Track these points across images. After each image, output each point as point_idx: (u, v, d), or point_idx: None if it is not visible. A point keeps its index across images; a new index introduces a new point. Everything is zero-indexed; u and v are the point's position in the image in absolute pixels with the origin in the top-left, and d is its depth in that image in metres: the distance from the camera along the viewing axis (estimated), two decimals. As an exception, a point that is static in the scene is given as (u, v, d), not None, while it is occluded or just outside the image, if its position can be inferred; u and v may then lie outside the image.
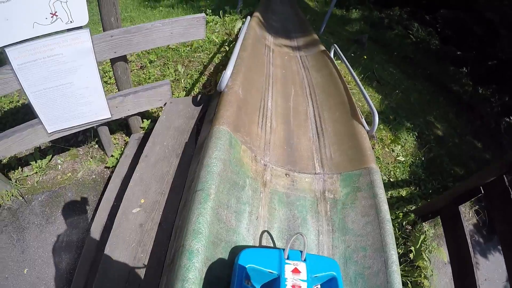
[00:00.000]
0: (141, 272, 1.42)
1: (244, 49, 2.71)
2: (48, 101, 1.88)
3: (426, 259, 2.60)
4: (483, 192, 2.33)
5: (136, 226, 1.55)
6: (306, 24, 5.24)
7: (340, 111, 2.37)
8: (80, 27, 1.66)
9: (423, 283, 2.51)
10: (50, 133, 2.06)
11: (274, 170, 1.84)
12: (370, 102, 2.19)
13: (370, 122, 2.10)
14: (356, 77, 2.58)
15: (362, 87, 2.37)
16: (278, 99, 2.52)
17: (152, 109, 2.89)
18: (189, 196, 1.39)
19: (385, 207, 1.62)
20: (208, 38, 3.95)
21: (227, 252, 1.34)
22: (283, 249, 1.29)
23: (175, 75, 3.46)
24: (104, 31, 1.84)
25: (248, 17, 3.66)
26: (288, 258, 1.28)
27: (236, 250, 1.36)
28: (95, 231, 1.97)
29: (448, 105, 5.40)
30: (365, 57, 5.17)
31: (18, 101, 3.05)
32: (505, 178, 2.18)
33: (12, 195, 2.43)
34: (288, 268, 1.23)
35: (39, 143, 2.17)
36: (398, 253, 2.59)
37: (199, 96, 2.44)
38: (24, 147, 2.10)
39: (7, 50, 1.57)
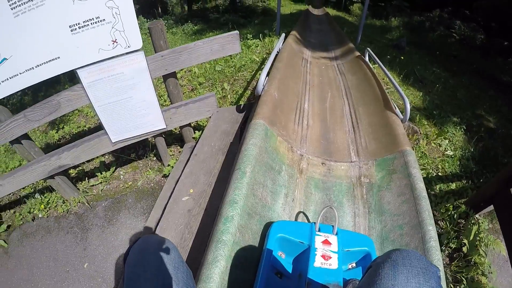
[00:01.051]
0: (187, 250, 1.59)
1: (280, 60, 2.94)
2: (112, 114, 2.22)
3: (483, 253, 2.45)
4: None
5: (184, 211, 1.78)
6: (342, 36, 5.41)
7: (374, 105, 2.47)
8: (136, 50, 1.99)
9: (480, 280, 2.34)
10: (114, 142, 2.38)
11: (310, 160, 1.98)
12: (400, 89, 2.28)
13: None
14: (387, 71, 2.68)
15: (392, 78, 2.48)
16: (315, 101, 2.69)
17: (201, 121, 3.21)
18: (230, 176, 1.59)
19: (420, 185, 1.65)
20: (250, 58, 4.30)
21: (262, 224, 1.48)
22: (314, 223, 1.39)
23: (222, 92, 3.78)
24: (155, 53, 2.17)
25: (283, 34, 3.92)
26: (319, 231, 1.37)
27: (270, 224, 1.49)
28: (150, 225, 2.21)
29: (500, 98, 5.14)
30: (402, 57, 5.18)
31: (85, 126, 3.55)
32: None
33: (79, 202, 2.82)
34: (318, 239, 1.31)
35: (104, 152, 2.49)
36: (450, 247, 2.52)
37: (242, 104, 2.68)
38: (91, 156, 2.46)
39: (78, 71, 1.95)
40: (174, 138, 3.29)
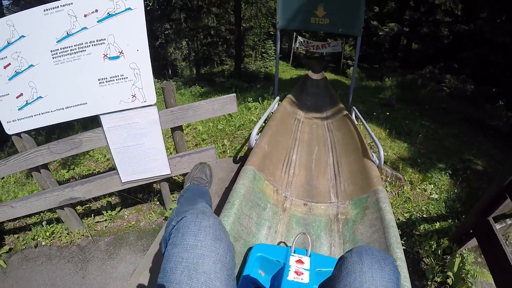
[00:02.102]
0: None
1: (273, 119, 3.39)
2: (125, 156, 2.55)
3: (470, 284, 2.55)
4: (508, 196, 2.28)
5: None
6: (335, 98, 5.92)
7: (354, 155, 2.83)
8: (151, 105, 2.40)
9: None
10: (124, 182, 2.69)
11: (293, 201, 2.31)
12: (375, 138, 2.67)
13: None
14: (366, 125, 3.10)
15: (370, 130, 2.87)
16: (303, 154, 3.06)
17: None
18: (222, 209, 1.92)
19: (389, 217, 1.90)
20: (249, 119, 4.81)
21: (246, 247, 1.76)
22: (290, 246, 1.66)
23: (222, 148, 4.20)
24: (166, 108, 2.57)
25: (277, 97, 4.45)
26: (294, 252, 1.62)
27: (253, 248, 1.77)
28: (147, 258, 2.31)
29: (489, 142, 5.40)
30: (387, 113, 5.60)
31: (95, 169, 3.89)
32: None
33: (83, 235, 3.05)
34: (292, 259, 1.56)
35: (114, 190, 2.78)
36: (436, 281, 2.65)
37: (238, 157, 3.07)
38: (101, 192, 2.74)
39: (101, 117, 2.35)
40: (177, 185, 3.60)
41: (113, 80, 2.24)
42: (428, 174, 3.80)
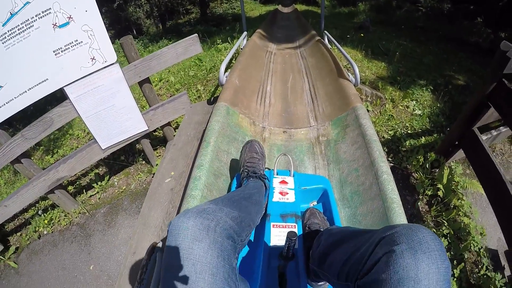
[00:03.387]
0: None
1: (242, 54, 3.18)
2: (99, 122, 2.45)
3: (461, 195, 2.58)
4: (490, 104, 2.25)
5: (167, 190, 1.99)
6: (307, 26, 5.64)
7: (329, 77, 2.69)
8: (112, 64, 2.25)
9: (463, 221, 2.43)
10: (104, 149, 2.60)
11: (272, 130, 2.19)
12: (348, 56, 2.52)
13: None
14: (339, 46, 2.93)
15: (342, 49, 2.71)
16: (277, 84, 2.91)
17: (180, 120, 3.46)
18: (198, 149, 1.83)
19: (370, 131, 1.83)
20: (220, 60, 4.57)
21: (228, 183, 1.71)
22: (273, 169, 1.60)
23: (197, 93, 4.06)
24: (129, 63, 2.42)
25: (245, 32, 4.18)
26: (277, 174, 1.58)
27: (236, 181, 1.71)
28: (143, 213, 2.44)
29: (469, 58, 5.30)
30: (361, 34, 5.41)
31: (77, 147, 3.70)
32: (505, 81, 2.10)
33: (80, 213, 3.06)
34: (276, 180, 1.52)
35: (96, 159, 2.71)
36: (427, 195, 2.66)
37: (212, 98, 2.91)
38: (85, 164, 2.68)
39: (65, 88, 2.21)
40: (158, 140, 3.54)
41: (68, 48, 2.08)
42: (409, 90, 3.72)
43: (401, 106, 3.54)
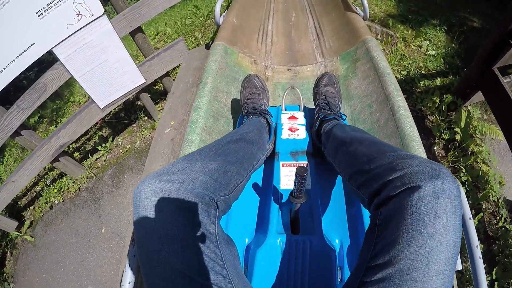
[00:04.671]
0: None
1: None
2: (94, 81, 2.31)
3: (479, 141, 2.43)
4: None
5: (168, 141, 1.88)
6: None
7: (335, 12, 2.44)
8: (100, 16, 2.08)
9: (481, 168, 2.30)
10: (102, 108, 2.48)
11: (275, 68, 2.02)
12: None
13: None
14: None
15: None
16: (279, 22, 2.67)
17: (177, 70, 3.30)
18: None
19: (383, 64, 1.67)
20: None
21: (229, 125, 1.58)
22: (280, 105, 1.45)
23: (195, 42, 3.86)
24: (117, 14, 2.24)
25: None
26: (286, 110, 1.44)
27: (238, 123, 1.58)
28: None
29: (485, 1, 4.94)
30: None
31: None
32: None
33: (87, 177, 3.02)
34: (284, 116, 1.38)
35: (96, 120, 2.61)
36: (444, 139, 2.51)
37: (210, 42, 2.72)
38: (86, 127, 2.57)
39: (54, 50, 2.06)
40: (159, 94, 3.41)
41: (51, 6, 1.92)
42: (422, 30, 3.46)
43: (414, 45, 3.30)
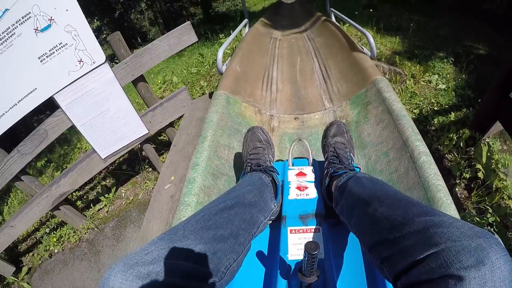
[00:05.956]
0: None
1: (243, 41, 2.92)
2: (95, 130, 2.28)
3: (503, 176, 2.24)
4: None
5: (167, 198, 1.75)
6: (311, 10, 5.36)
7: (341, 53, 2.40)
8: (102, 64, 2.07)
9: (508, 205, 2.10)
10: (104, 158, 2.42)
11: (281, 117, 1.92)
12: (359, 27, 2.22)
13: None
14: (346, 18, 2.62)
15: (351, 21, 2.41)
16: (284, 68, 2.63)
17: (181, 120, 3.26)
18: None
19: (397, 105, 1.54)
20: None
21: (230, 183, 1.43)
22: (287, 160, 1.32)
23: (201, 90, 3.85)
24: (119, 62, 2.24)
25: (245, 20, 3.90)
26: (293, 165, 1.31)
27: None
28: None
29: (485, 27, 4.93)
30: (371, 10, 5.08)
31: None
32: None
33: (88, 228, 2.92)
34: (291, 173, 1.24)
35: (98, 170, 2.54)
36: (465, 178, 2.35)
37: (214, 91, 2.67)
38: (87, 177, 2.51)
39: (55, 96, 2.05)
40: (164, 145, 3.36)
41: (54, 52, 1.95)
42: (430, 64, 3.39)
43: (423, 81, 3.22)
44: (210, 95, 2.59)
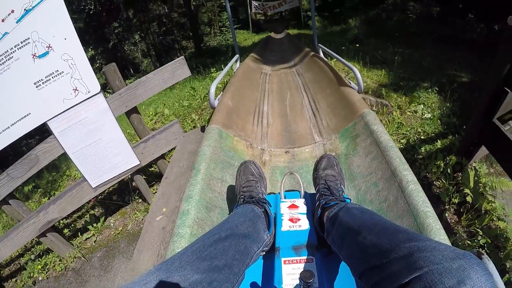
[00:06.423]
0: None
1: (235, 76, 3.02)
2: (87, 159, 2.28)
3: (491, 198, 2.30)
4: (507, 89, 2.01)
5: (159, 229, 1.76)
6: (300, 45, 5.57)
7: (329, 88, 2.49)
8: (96, 94, 2.11)
9: (498, 226, 2.16)
10: (94, 187, 2.41)
11: (272, 151, 1.97)
12: (346, 62, 2.34)
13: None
14: (334, 53, 2.75)
15: (339, 56, 2.53)
16: (274, 103, 2.71)
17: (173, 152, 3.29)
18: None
19: (385, 137, 1.61)
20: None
21: (224, 216, 1.45)
22: (279, 193, 1.37)
23: (192, 124, 3.89)
24: (114, 93, 2.28)
25: (237, 55, 4.05)
26: (285, 198, 1.35)
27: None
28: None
29: (468, 54, 5.16)
30: (357, 45, 5.30)
31: None
32: None
33: (75, 257, 2.84)
34: (284, 205, 1.28)
35: (87, 199, 2.52)
36: (454, 203, 2.40)
37: (206, 125, 2.72)
38: (76, 205, 2.49)
39: (48, 123, 2.07)
40: (155, 176, 3.36)
41: (50, 79, 1.99)
42: (415, 94, 3.52)
43: (409, 111, 3.33)
44: (202, 128, 2.65)
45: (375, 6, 10.15)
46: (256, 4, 15.91)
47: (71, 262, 2.83)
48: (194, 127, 3.80)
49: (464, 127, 2.97)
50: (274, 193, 1.50)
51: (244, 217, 1.04)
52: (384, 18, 9.03)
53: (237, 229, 0.95)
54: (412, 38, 6.48)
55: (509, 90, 2.02)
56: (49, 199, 3.77)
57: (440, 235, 1.04)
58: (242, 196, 1.26)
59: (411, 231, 0.73)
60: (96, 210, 3.41)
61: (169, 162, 2.69)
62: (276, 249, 1.10)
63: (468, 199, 2.32)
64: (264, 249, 1.07)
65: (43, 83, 1.97)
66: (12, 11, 1.84)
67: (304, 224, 1.19)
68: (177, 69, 2.37)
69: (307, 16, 15.51)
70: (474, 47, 5.70)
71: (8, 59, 1.88)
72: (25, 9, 1.84)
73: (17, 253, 3.13)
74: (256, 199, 1.21)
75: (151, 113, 4.59)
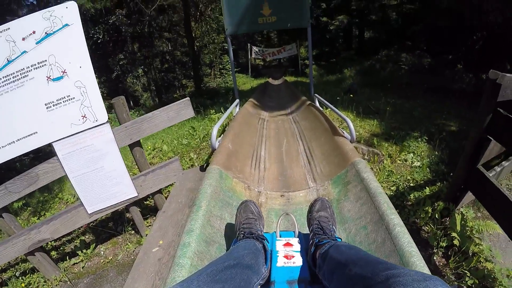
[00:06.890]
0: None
1: (234, 120, 3.19)
2: (86, 184, 2.33)
3: (478, 240, 2.38)
4: (490, 137, 2.17)
5: (155, 260, 1.81)
6: (297, 94, 5.83)
7: (324, 136, 2.65)
8: (103, 123, 2.21)
9: (485, 267, 2.23)
10: (90, 213, 2.44)
11: (269, 194, 2.09)
12: (340, 113, 2.52)
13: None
14: (329, 104, 2.95)
15: (333, 107, 2.72)
16: (271, 149, 2.86)
17: (170, 188, 3.33)
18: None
19: (374, 184, 1.74)
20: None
21: (222, 251, 1.55)
22: (275, 232, 1.47)
23: (190, 162, 3.98)
24: (120, 125, 2.38)
25: (237, 100, 4.27)
26: (280, 237, 1.45)
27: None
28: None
29: (457, 104, 5.43)
30: (351, 95, 5.57)
31: None
32: (500, 110, 2.03)
33: (60, 281, 2.75)
34: (279, 243, 1.39)
35: (81, 224, 2.53)
36: (442, 247, 2.48)
37: (205, 165, 2.84)
38: (69, 228, 2.52)
39: (53, 144, 2.15)
40: (149, 210, 3.39)
41: (60, 102, 2.09)
42: (405, 144, 3.70)
43: (399, 160, 3.48)
44: (201, 167, 2.76)
45: (369, 57, 10.68)
46: (256, 50, 16.59)
47: (56, 285, 2.76)
48: (192, 165, 3.90)
49: (451, 174, 3.11)
50: (269, 233, 1.60)
51: (248, 249, 1.16)
52: (378, 68, 9.49)
53: (243, 260, 1.07)
54: (404, 89, 6.80)
55: (491, 138, 2.18)
56: (38, 219, 3.79)
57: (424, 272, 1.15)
58: (242, 232, 1.36)
59: (390, 263, 0.87)
60: (87, 236, 3.38)
61: (166, 197, 2.78)
62: (271, 282, 1.19)
63: (456, 242, 2.39)
64: (261, 282, 1.16)
65: (53, 105, 2.06)
66: (34, 32, 1.96)
67: (298, 261, 1.29)
68: (182, 109, 2.50)
69: (304, 64, 16.15)
70: (463, 96, 5.99)
71: (23, 77, 1.98)
72: (46, 32, 1.98)
73: (0, 267, 3.06)
74: (256, 235, 1.32)
75: (149, 147, 4.70)
